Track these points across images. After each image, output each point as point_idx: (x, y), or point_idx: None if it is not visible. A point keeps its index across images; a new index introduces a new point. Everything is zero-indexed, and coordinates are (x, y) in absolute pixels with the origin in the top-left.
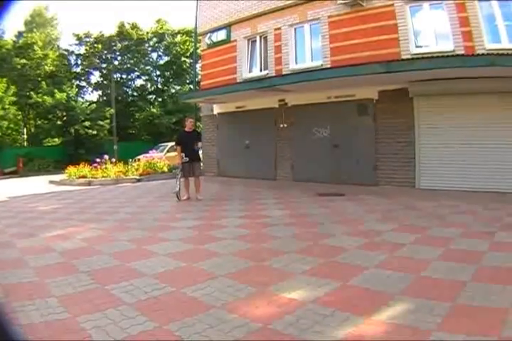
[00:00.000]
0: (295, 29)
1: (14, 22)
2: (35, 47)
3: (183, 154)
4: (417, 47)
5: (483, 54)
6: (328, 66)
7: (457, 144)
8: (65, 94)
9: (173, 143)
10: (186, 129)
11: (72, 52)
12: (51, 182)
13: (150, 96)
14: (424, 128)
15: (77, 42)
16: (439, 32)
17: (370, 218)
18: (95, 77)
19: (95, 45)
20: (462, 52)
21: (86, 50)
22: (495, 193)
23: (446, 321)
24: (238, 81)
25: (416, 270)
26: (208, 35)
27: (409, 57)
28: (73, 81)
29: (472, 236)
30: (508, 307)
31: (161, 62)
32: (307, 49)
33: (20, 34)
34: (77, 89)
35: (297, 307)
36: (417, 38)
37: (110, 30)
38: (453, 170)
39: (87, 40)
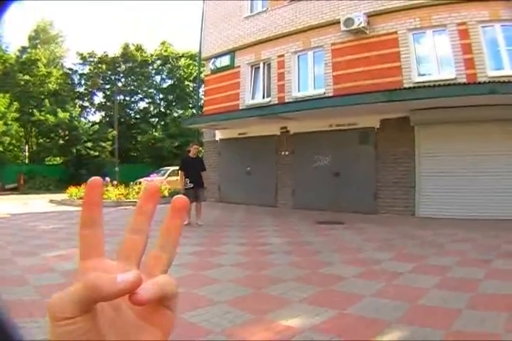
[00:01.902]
0: (298, 56)
1: (18, 36)
2: (39, 64)
3: (187, 180)
4: (419, 75)
5: (484, 82)
6: (331, 94)
7: (457, 172)
8: (68, 113)
9: (174, 168)
10: (190, 155)
11: (76, 71)
12: (52, 201)
13: (153, 120)
14: (425, 156)
15: (81, 61)
16: (442, 59)
17: (369, 247)
18: (98, 97)
19: (99, 65)
20: (464, 80)
21: (90, 69)
22: (494, 221)
23: None
24: (241, 107)
25: (412, 298)
26: (212, 60)
27: (411, 85)
28: (76, 101)
29: (469, 264)
30: (502, 333)
31: (165, 85)
32: (310, 76)
33: (24, 49)
34: (80, 109)
35: (294, 334)
36: (420, 65)
37: (115, 50)
38: (452, 199)
39: (91, 59)
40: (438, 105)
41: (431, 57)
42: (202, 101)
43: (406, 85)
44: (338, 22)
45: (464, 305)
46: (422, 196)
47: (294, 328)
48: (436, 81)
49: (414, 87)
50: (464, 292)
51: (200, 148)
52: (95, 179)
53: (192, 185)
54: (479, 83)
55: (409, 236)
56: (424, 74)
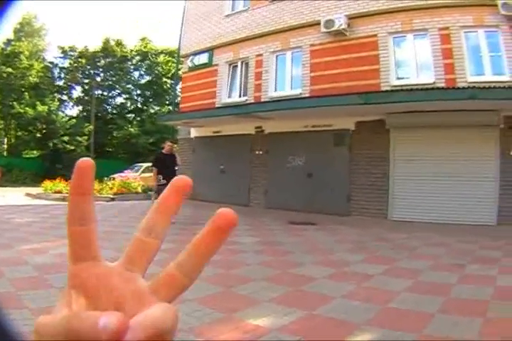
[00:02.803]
0: (277, 56)
1: (5, 29)
2: (22, 57)
3: (160, 176)
4: (397, 78)
5: (463, 87)
6: (307, 95)
7: (432, 177)
8: (46, 106)
9: (148, 164)
10: (164, 152)
11: (57, 64)
12: (28, 194)
13: (129, 115)
14: (399, 160)
15: (61, 55)
16: (421, 63)
17: (341, 248)
18: (77, 92)
19: (79, 60)
20: (443, 84)
21: (70, 63)
22: (468, 226)
23: None
24: (217, 106)
25: (383, 301)
26: (191, 57)
27: (388, 88)
28: (55, 94)
29: (442, 268)
30: (476, 339)
31: (143, 81)
32: (287, 77)
33: (9, 42)
34: (58, 103)
35: (263, 334)
36: (398, 69)
37: (96, 44)
38: (426, 203)
39: (72, 53)
40: (415, 109)
41: (410, 61)
42: (179, 99)
43: (383, 88)
44: (318, 23)
45: (436, 309)
46: (395, 199)
47: (263, 328)
48: (414, 85)
49: (391, 91)
50: (436, 296)
51: (175, 146)
52: (85, 160)
53: (165, 182)
54: (458, 88)
55: (381, 239)
56: (402, 78)
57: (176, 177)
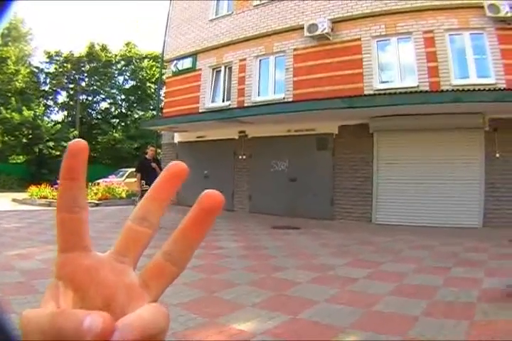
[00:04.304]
0: (260, 61)
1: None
2: (9, 62)
3: (143, 182)
4: (381, 82)
5: (447, 90)
6: (290, 99)
7: (416, 180)
8: (32, 112)
9: (132, 169)
10: (147, 157)
11: (42, 69)
12: (14, 200)
13: (113, 120)
14: (383, 163)
15: (47, 60)
16: (405, 67)
17: (324, 252)
18: (62, 97)
19: (64, 65)
20: (427, 88)
21: (55, 68)
22: (453, 228)
23: None
24: (200, 110)
25: (367, 304)
26: (175, 62)
27: (372, 92)
28: (41, 99)
29: (426, 271)
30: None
31: (127, 86)
32: (271, 81)
33: None
34: (43, 108)
35: (247, 338)
36: (382, 73)
37: (81, 49)
38: (411, 206)
39: (57, 58)
40: (399, 113)
41: (394, 64)
42: (162, 103)
43: (367, 92)
44: (301, 27)
45: (420, 312)
46: (379, 203)
47: (247, 332)
48: (398, 88)
49: (374, 94)
50: (421, 299)
51: (159, 150)
52: (77, 142)
53: (148, 187)
54: (442, 91)
55: (365, 243)
56: (386, 82)
57: (171, 163)
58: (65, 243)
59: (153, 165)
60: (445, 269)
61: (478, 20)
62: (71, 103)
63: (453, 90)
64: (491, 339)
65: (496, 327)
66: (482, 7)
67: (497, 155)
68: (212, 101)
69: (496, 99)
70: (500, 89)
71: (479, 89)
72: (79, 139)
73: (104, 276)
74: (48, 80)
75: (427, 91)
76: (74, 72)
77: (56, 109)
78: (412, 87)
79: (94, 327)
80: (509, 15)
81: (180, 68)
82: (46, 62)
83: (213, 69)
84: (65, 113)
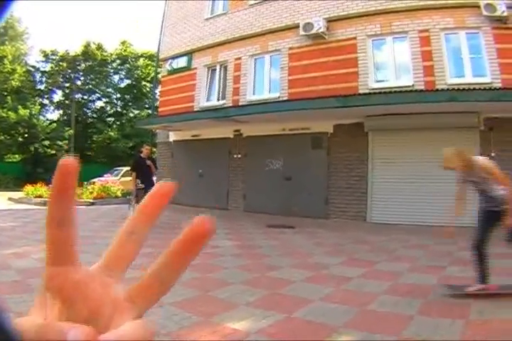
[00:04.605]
0: (255, 60)
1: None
2: (6, 61)
3: (138, 180)
4: (376, 81)
5: (442, 89)
6: (286, 98)
7: (411, 179)
8: (28, 111)
9: (128, 168)
10: (142, 156)
11: (38, 68)
12: (10, 199)
13: (109, 119)
14: (378, 162)
15: (43, 59)
16: (400, 66)
17: (319, 251)
18: (58, 95)
19: (60, 64)
20: (422, 87)
21: (51, 67)
22: (448, 227)
23: None
24: (195, 109)
25: (362, 303)
26: (170, 61)
27: (367, 91)
28: (36, 98)
29: (421, 270)
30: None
31: (122, 85)
32: (266, 80)
33: None
34: (39, 107)
35: (241, 337)
36: (377, 72)
37: (77, 48)
38: (406, 205)
39: (53, 57)
40: (394, 112)
41: (389, 63)
42: (158, 103)
43: (362, 91)
44: (297, 26)
45: (415, 311)
46: (374, 202)
47: (241, 331)
48: (393, 87)
49: (369, 93)
50: (415, 298)
51: (154, 149)
52: (68, 160)
53: (143, 186)
54: (437, 90)
55: (360, 242)
56: (381, 81)
57: (161, 181)
58: (53, 258)
59: (148, 162)
60: (440, 268)
61: (475, 20)
62: (66, 102)
63: (448, 89)
64: (486, 340)
65: (492, 327)
66: (478, 6)
67: (492, 154)
68: (207, 100)
69: (491, 98)
70: (495, 88)
71: (474, 89)
72: (69, 157)
73: (91, 290)
74: (43, 79)
75: (421, 90)
76: (69, 71)
77: (52, 108)
78: (407, 86)
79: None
80: (505, 14)
81: (175, 67)
82: (42, 61)
83: (208, 68)
84: (61, 112)
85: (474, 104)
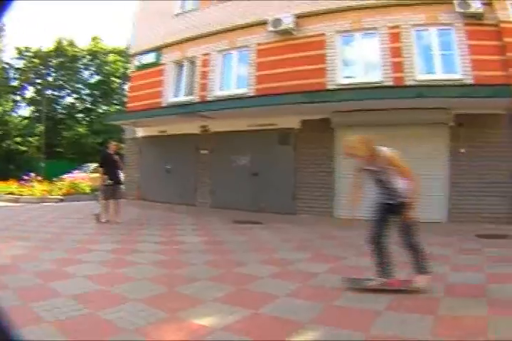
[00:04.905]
0: (223, 55)
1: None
2: None
3: (106, 176)
4: (344, 77)
5: (410, 85)
6: (253, 94)
7: None
8: (1, 108)
9: (96, 164)
10: (110, 151)
11: (12, 66)
12: None
13: (78, 115)
14: (345, 159)
15: (17, 56)
16: (369, 62)
17: (286, 247)
18: (30, 92)
19: (33, 60)
20: (391, 83)
21: (24, 64)
22: (418, 223)
23: None
24: (163, 105)
25: (328, 299)
26: (139, 56)
27: (335, 87)
28: (9, 95)
29: None
30: (429, 338)
31: (92, 80)
32: (233, 76)
33: None
34: (12, 104)
35: (207, 333)
36: (346, 68)
37: (50, 45)
38: (372, 201)
39: (27, 54)
40: (362, 108)
41: (358, 59)
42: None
43: (330, 87)
44: (266, 22)
45: (383, 306)
46: (341, 197)
47: (207, 327)
48: (361, 83)
49: (337, 89)
50: (383, 294)
51: (122, 145)
52: None
53: (111, 182)
54: (406, 86)
55: (327, 237)
56: (349, 77)
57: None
58: None
59: (116, 157)
60: (409, 264)
61: (447, 16)
62: (38, 98)
63: (417, 85)
64: (460, 339)
65: (463, 323)
66: (451, 3)
67: (462, 150)
68: (175, 96)
69: (462, 94)
70: (466, 84)
71: (444, 85)
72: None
73: None
74: (17, 76)
75: (389, 87)
76: (42, 67)
77: (24, 104)
78: (375, 83)
79: None
80: (480, 11)
81: (144, 63)
82: (17, 58)
83: (176, 63)
84: (32, 108)
85: (444, 100)
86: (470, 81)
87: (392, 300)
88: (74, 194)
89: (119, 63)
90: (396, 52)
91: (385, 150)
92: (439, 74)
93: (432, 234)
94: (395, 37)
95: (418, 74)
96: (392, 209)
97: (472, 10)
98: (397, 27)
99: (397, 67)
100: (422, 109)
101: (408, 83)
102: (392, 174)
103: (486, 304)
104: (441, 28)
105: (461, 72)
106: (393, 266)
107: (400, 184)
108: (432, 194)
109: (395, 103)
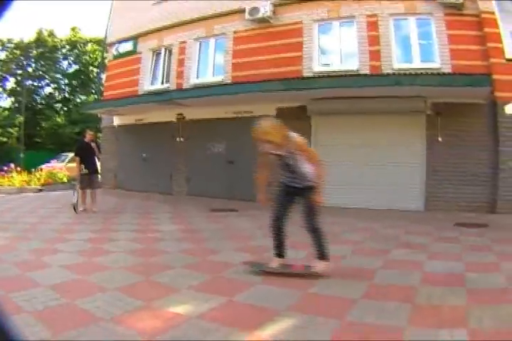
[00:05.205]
0: (200, 43)
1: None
2: None
3: (82, 166)
4: (321, 65)
5: (388, 74)
6: (229, 81)
7: (356, 163)
8: None
9: (73, 154)
10: (86, 140)
11: None
12: None
13: (57, 105)
14: (321, 146)
15: (0, 47)
16: (346, 50)
17: (261, 234)
18: (10, 83)
19: (14, 51)
20: (367, 71)
21: (6, 55)
22: (395, 211)
23: (334, 338)
24: (140, 93)
25: (303, 286)
26: (116, 45)
27: (311, 75)
28: None
29: (365, 253)
30: (405, 326)
31: (70, 70)
32: (210, 64)
33: None
34: None
35: (182, 321)
36: (323, 56)
37: (30, 35)
38: (351, 189)
39: (9, 45)
40: (338, 95)
41: (335, 47)
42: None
43: (306, 75)
44: (243, 10)
45: (359, 294)
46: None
47: (182, 315)
48: (338, 71)
49: (313, 77)
50: (359, 281)
51: (99, 134)
52: None
53: (87, 171)
54: (383, 74)
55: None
56: (326, 65)
57: None
58: None
59: (93, 145)
60: (385, 251)
61: (426, 6)
62: (18, 89)
63: (394, 74)
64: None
65: (441, 312)
66: None
67: (439, 139)
68: (152, 84)
69: (440, 82)
70: (444, 73)
71: (421, 73)
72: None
73: None
74: None
75: (366, 75)
76: (22, 58)
77: (5, 95)
78: (352, 71)
79: None
80: (460, 1)
81: (121, 51)
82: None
83: (153, 52)
84: (13, 99)
85: (422, 88)
86: (448, 70)
87: (368, 288)
88: (52, 184)
89: (98, 53)
90: (374, 40)
91: (296, 136)
92: (417, 63)
93: (410, 222)
94: (373, 25)
95: (396, 62)
96: (297, 193)
97: (453, 0)
98: (375, 16)
99: (375, 55)
100: (399, 98)
101: (385, 71)
102: (299, 159)
103: (465, 293)
104: (420, 17)
105: (439, 61)
106: (287, 248)
107: (307, 168)
108: (409, 182)
109: (372, 91)
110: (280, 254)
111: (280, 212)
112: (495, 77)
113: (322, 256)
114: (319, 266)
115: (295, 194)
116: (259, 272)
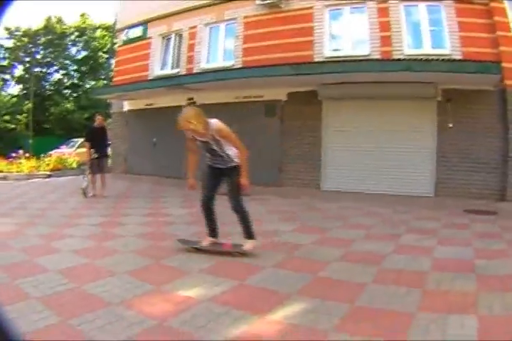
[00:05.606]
0: (210, 28)
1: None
2: None
3: (93, 150)
4: (331, 50)
5: (398, 59)
6: (240, 66)
7: (366, 148)
8: None
9: (83, 139)
10: (95, 125)
11: (2, 45)
12: None
13: (66, 91)
14: (332, 130)
15: (8, 35)
16: (357, 36)
17: (272, 218)
18: (18, 70)
19: (22, 39)
20: (378, 56)
21: (14, 43)
22: (404, 197)
23: (344, 322)
24: (149, 78)
25: (314, 270)
26: (126, 31)
27: (322, 59)
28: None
29: (375, 238)
30: (414, 311)
31: (79, 56)
32: (220, 48)
33: None
34: (1, 83)
35: (193, 305)
36: (333, 41)
37: (39, 23)
38: (361, 173)
39: (16, 33)
40: (349, 80)
41: (346, 33)
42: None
43: (317, 59)
44: None
45: (369, 279)
46: (328, 170)
47: (194, 299)
48: (349, 56)
49: (324, 62)
50: (369, 266)
51: (109, 120)
52: None
53: (97, 156)
54: (393, 60)
55: (314, 209)
56: (336, 50)
57: None
58: None
59: (103, 130)
60: (395, 236)
61: None
62: (26, 76)
63: (404, 59)
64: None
65: (449, 298)
66: None
67: (450, 125)
68: (162, 69)
69: (450, 69)
70: (454, 59)
71: (432, 59)
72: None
73: None
74: (6, 55)
75: (377, 60)
76: (31, 45)
77: (13, 82)
78: (363, 56)
79: None
80: None
81: (130, 37)
82: (7, 38)
83: (163, 37)
84: (21, 86)
85: (432, 74)
86: (459, 57)
87: (378, 272)
88: (61, 169)
89: (107, 38)
90: (384, 26)
91: (215, 123)
92: (428, 49)
93: (420, 207)
94: (384, 12)
95: (406, 48)
96: (223, 174)
97: None
98: (385, 1)
99: (385, 41)
100: (410, 83)
101: (396, 57)
102: (223, 143)
103: (475, 279)
104: (430, 3)
105: (449, 47)
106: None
107: (231, 151)
108: (420, 167)
109: (382, 76)
110: (212, 233)
111: (209, 193)
112: (504, 65)
113: (249, 235)
114: (247, 245)
115: (221, 175)
116: (191, 249)
